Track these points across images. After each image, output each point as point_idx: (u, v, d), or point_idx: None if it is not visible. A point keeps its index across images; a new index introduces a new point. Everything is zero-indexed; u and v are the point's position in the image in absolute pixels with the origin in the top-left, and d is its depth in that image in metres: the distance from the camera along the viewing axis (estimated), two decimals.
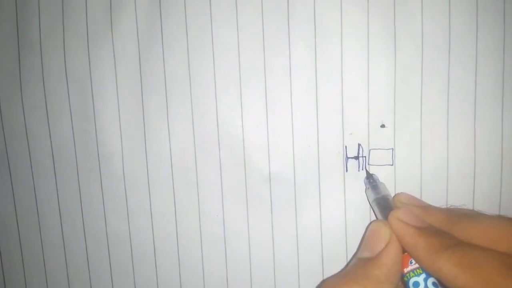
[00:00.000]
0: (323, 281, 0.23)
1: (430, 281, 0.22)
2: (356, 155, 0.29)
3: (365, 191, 0.29)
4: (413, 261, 0.22)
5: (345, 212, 0.30)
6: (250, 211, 0.31)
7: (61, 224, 0.33)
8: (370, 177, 0.28)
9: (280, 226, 0.30)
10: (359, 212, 0.29)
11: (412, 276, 0.22)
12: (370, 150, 0.29)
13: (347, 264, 0.29)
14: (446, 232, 0.22)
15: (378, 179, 0.28)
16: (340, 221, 0.30)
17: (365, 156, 0.29)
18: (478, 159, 0.28)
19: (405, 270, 0.22)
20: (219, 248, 0.31)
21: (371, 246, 0.23)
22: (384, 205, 0.26)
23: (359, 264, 0.23)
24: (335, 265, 0.30)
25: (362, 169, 0.29)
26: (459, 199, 0.28)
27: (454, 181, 0.29)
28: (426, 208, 0.25)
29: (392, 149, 0.29)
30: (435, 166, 0.29)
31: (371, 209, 0.28)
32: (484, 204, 0.28)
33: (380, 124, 0.29)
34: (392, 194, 0.27)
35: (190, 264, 0.32)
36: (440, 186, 0.29)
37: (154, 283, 0.32)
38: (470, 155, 0.28)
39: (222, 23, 0.30)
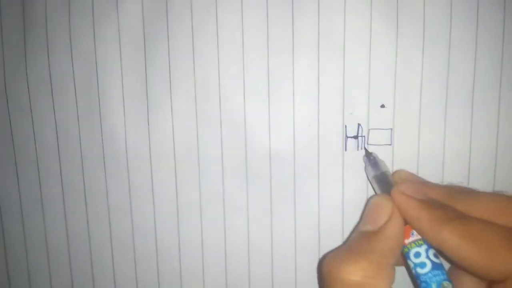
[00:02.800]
0: (325, 255, 0.23)
1: (431, 252, 0.22)
2: (356, 134, 0.30)
3: (364, 168, 0.29)
4: (414, 232, 0.23)
5: (342, 190, 0.30)
6: (250, 187, 0.31)
7: (63, 196, 0.33)
8: (369, 155, 0.29)
9: (279, 203, 0.31)
10: (357, 190, 0.30)
11: (414, 247, 0.22)
12: (369, 130, 0.30)
13: (348, 238, 0.29)
14: (448, 205, 0.22)
15: (377, 156, 0.28)
16: (338, 199, 0.30)
17: (364, 136, 0.30)
18: (474, 140, 0.29)
19: (406, 241, 0.23)
20: (219, 223, 0.32)
21: (373, 219, 0.23)
22: (384, 181, 0.26)
23: (363, 238, 0.23)
24: (332, 241, 0.30)
25: (361, 149, 0.30)
26: (455, 178, 0.29)
27: (450, 161, 0.29)
28: (426, 183, 0.25)
29: (391, 129, 0.29)
30: (433, 146, 0.29)
31: (371, 186, 0.28)
32: (479, 183, 0.29)
33: (380, 105, 0.29)
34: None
35: (189, 237, 0.32)
36: (436, 165, 0.29)
37: (154, 256, 0.33)
38: (467, 136, 0.29)
39: (226, 1, 0.30)
